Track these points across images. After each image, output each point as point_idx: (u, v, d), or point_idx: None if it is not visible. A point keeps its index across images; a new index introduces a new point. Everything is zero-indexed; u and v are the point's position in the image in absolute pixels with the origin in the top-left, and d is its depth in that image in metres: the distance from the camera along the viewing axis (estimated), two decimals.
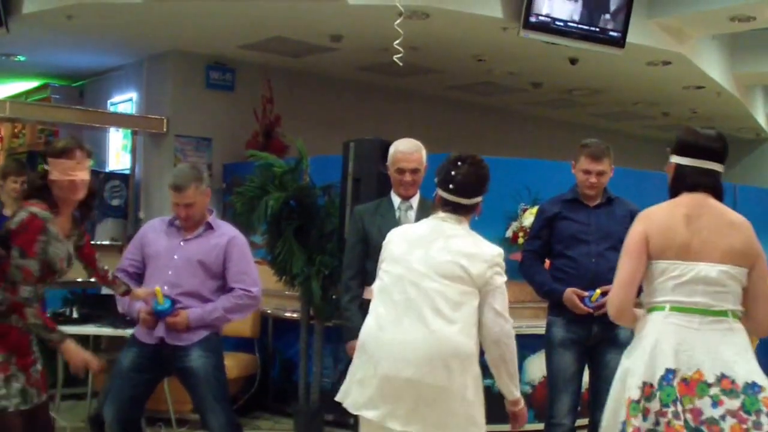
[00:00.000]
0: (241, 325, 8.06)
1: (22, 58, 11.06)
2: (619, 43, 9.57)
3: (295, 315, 8.27)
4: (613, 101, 13.85)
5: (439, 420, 4.28)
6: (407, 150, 5.84)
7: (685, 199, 4.21)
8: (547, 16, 9.06)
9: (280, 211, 7.59)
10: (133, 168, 11.03)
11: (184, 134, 10.67)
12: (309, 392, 7.84)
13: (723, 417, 3.88)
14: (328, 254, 7.53)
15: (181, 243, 5.74)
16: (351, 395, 4.44)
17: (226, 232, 5.86)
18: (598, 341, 5.87)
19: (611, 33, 9.50)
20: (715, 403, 3.89)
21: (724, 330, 4.02)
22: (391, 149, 5.93)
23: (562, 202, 6.11)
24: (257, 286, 5.81)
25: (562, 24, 9.19)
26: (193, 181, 5.70)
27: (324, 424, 7.85)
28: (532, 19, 8.98)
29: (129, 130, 11.14)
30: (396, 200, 5.93)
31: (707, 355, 3.95)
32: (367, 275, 5.88)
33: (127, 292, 5.43)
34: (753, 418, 3.87)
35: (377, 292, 4.57)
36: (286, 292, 8.16)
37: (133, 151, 11.07)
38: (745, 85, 13.68)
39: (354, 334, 5.52)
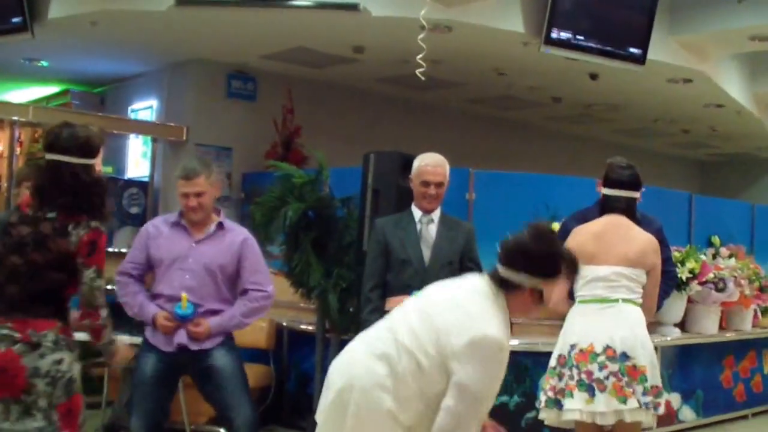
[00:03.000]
0: (256, 337, 8.04)
1: (44, 63, 11.11)
2: (640, 59, 9.55)
3: (310, 327, 8.24)
4: (633, 118, 13.82)
5: None
6: (434, 163, 5.91)
7: (603, 219, 5.61)
8: (567, 32, 9.06)
9: (299, 222, 7.55)
10: (152, 175, 11.04)
11: (203, 143, 10.66)
12: None
13: (607, 377, 5.26)
14: (345, 267, 7.49)
15: (193, 245, 5.65)
16: None
17: (239, 231, 5.79)
18: None
19: (632, 50, 9.49)
20: (601, 367, 5.28)
21: (614, 312, 5.37)
22: (416, 162, 5.97)
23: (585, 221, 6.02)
24: (270, 284, 5.77)
25: (582, 40, 9.18)
26: (204, 169, 5.60)
27: None
28: (553, 34, 8.98)
29: (149, 138, 11.17)
30: (417, 213, 5.96)
31: (598, 332, 5.33)
32: (388, 287, 5.89)
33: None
34: (625, 379, 5.25)
35: None
36: (302, 305, 8.13)
37: (153, 159, 11.09)
38: (766, 104, 13.62)
39: None
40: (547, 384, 5.51)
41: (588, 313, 5.43)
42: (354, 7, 8.22)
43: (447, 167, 5.98)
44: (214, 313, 5.63)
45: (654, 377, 5.37)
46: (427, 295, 4.07)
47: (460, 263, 6.01)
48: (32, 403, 3.81)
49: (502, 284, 3.89)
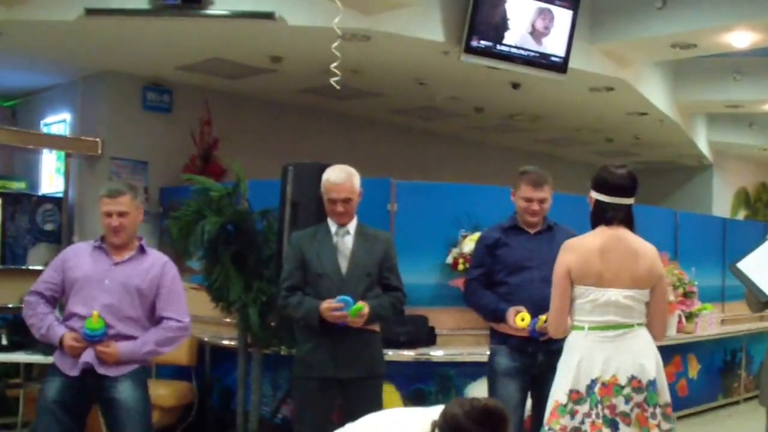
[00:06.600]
0: (178, 354, 7.88)
1: None
2: (562, 68, 9.56)
3: (232, 343, 8.11)
4: (555, 127, 13.86)
5: None
6: (338, 180, 5.79)
7: (602, 232, 5.01)
8: (488, 40, 9.01)
9: (217, 236, 7.44)
10: (66, 191, 10.75)
11: (119, 156, 10.43)
12: (247, 421, 7.68)
13: (632, 409, 4.79)
14: (266, 280, 7.39)
15: (112, 267, 5.47)
16: None
17: (159, 257, 5.66)
18: (543, 370, 5.76)
19: (553, 58, 9.49)
20: (627, 399, 4.79)
21: (631, 338, 4.88)
22: (323, 177, 5.89)
23: (502, 230, 6.05)
24: (188, 317, 5.60)
25: (503, 49, 9.15)
26: (129, 191, 5.53)
27: None
28: (474, 43, 8.94)
29: (62, 152, 10.90)
30: (333, 226, 5.87)
31: (621, 362, 4.82)
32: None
33: None
34: (651, 410, 4.82)
35: None
36: (224, 320, 8.00)
37: (67, 174, 10.80)
38: (688, 112, 13.76)
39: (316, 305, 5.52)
40: (557, 424, 4.84)
41: (603, 341, 4.86)
42: (269, 16, 8.09)
43: (355, 180, 5.83)
44: (127, 338, 5.40)
45: (666, 395, 4.97)
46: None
47: (379, 274, 5.90)
48: None
49: None
